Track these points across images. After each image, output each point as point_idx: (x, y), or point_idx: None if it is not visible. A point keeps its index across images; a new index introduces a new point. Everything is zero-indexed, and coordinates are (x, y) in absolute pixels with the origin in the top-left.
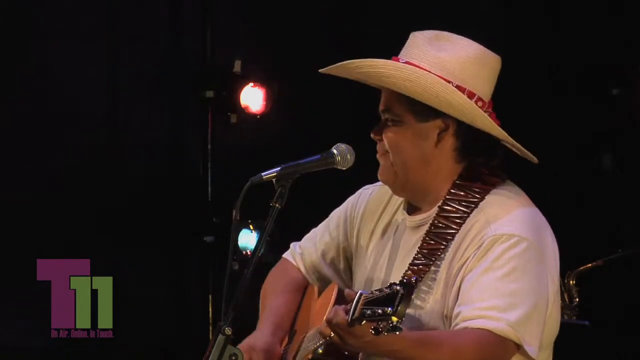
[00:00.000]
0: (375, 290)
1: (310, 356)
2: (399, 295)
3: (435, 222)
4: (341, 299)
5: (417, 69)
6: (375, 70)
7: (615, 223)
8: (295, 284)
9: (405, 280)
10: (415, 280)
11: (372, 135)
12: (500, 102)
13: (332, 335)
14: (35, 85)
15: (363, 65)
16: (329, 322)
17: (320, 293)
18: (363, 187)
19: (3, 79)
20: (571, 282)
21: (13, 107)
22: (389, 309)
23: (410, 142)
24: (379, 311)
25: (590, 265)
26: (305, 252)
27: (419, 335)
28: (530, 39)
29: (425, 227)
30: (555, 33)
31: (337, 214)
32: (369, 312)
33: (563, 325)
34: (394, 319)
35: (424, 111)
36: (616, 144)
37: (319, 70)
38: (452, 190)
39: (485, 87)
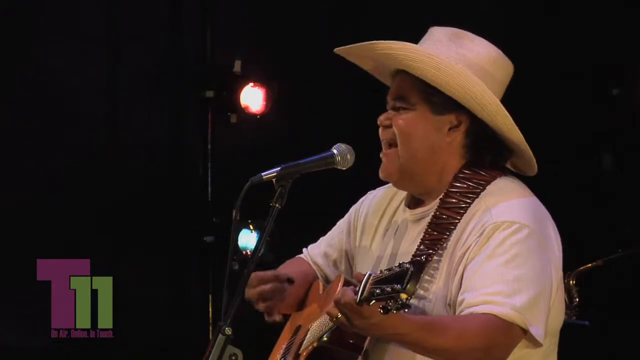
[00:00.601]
0: (385, 270)
1: (315, 344)
2: (409, 272)
3: (437, 213)
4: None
5: (445, 59)
6: (405, 54)
7: (615, 223)
8: (306, 273)
9: (415, 260)
10: (425, 258)
11: (380, 120)
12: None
13: (339, 315)
14: (35, 86)
15: (387, 47)
16: (337, 302)
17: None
18: (368, 192)
19: (3, 79)
20: (571, 282)
21: (13, 107)
22: (398, 286)
23: (422, 132)
24: (388, 289)
25: (590, 265)
26: (311, 253)
27: (424, 319)
28: (530, 39)
29: (427, 219)
30: (555, 33)
31: (342, 220)
32: (378, 290)
33: (563, 325)
34: (403, 296)
35: (441, 104)
36: (616, 144)
37: (335, 50)
38: (454, 183)
39: (499, 90)
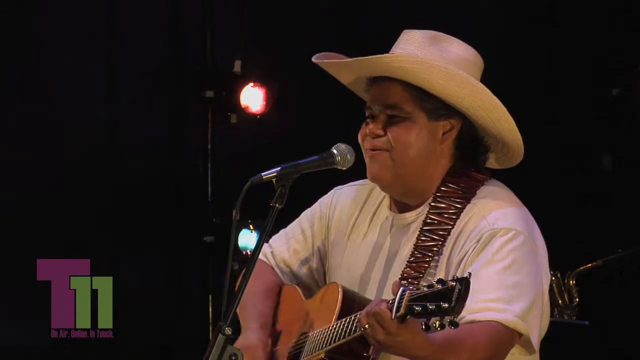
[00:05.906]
0: (424, 286)
1: (322, 355)
2: (456, 291)
3: (427, 219)
4: (349, 300)
5: (453, 69)
6: (414, 67)
7: (615, 223)
8: (271, 284)
9: (458, 277)
10: (469, 275)
11: (371, 130)
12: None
13: (367, 326)
14: (35, 85)
15: (403, 60)
16: (369, 313)
17: (306, 295)
18: (335, 188)
19: (3, 79)
20: (571, 282)
21: (13, 107)
22: (446, 304)
23: (420, 140)
24: (432, 307)
25: (590, 265)
26: (276, 250)
27: (442, 339)
28: (530, 38)
29: (417, 225)
30: (555, 33)
31: (309, 213)
32: (418, 308)
33: (563, 325)
34: (454, 314)
35: (436, 110)
36: (616, 144)
37: (330, 62)
38: (442, 188)
39: None
